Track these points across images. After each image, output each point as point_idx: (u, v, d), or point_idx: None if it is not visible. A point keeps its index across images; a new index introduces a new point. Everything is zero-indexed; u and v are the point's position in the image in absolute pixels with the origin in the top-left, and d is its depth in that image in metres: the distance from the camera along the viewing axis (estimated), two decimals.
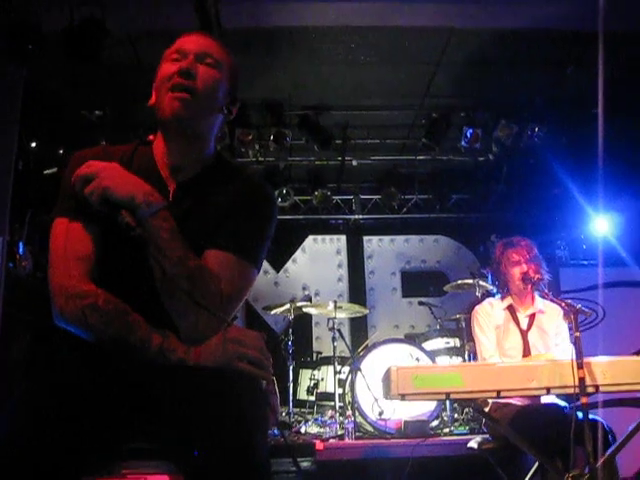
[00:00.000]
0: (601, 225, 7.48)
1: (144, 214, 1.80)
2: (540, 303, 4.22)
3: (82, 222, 1.92)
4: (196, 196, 1.99)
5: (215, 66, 2.03)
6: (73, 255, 1.88)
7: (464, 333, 6.85)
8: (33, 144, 6.86)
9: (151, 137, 2.12)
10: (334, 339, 6.78)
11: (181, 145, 2.02)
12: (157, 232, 1.79)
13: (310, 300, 8.46)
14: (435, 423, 6.49)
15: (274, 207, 2.14)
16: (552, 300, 3.86)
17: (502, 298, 4.28)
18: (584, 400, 3.14)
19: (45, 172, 6.62)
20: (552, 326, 4.16)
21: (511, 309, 4.21)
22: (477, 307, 4.33)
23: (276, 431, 1.90)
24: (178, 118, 1.94)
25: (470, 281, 6.99)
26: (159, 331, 1.78)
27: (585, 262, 6.51)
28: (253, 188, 2.09)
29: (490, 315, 4.20)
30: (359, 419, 6.31)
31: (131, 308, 1.81)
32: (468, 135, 7.75)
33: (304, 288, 9.41)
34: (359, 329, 9.07)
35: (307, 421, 6.78)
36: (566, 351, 3.94)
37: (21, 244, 6.00)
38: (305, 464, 1.91)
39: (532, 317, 4.19)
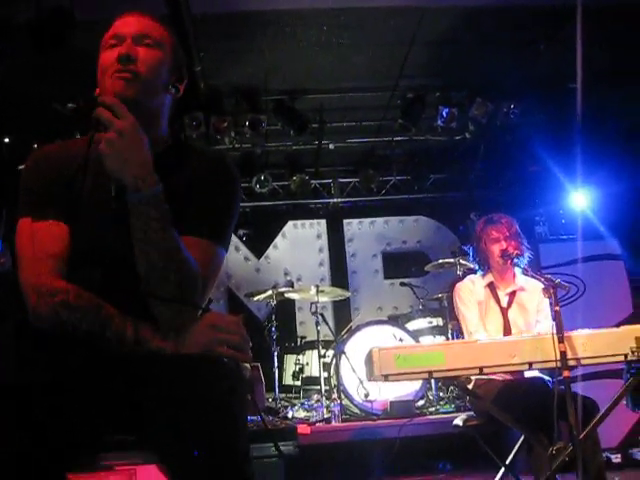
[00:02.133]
0: (579, 200, 7.53)
1: (132, 198, 1.73)
2: (521, 280, 4.23)
3: (47, 220, 1.89)
4: None
5: (155, 46, 1.97)
6: (41, 254, 1.85)
7: (447, 312, 6.89)
8: (6, 139, 6.80)
9: None
10: (317, 323, 6.80)
11: None
12: (145, 220, 1.74)
13: (292, 285, 8.47)
14: (421, 402, 6.54)
15: (238, 183, 2.10)
16: (532, 276, 3.87)
17: (483, 275, 4.30)
18: (566, 374, 3.16)
19: (20, 167, 6.54)
20: (533, 303, 4.18)
21: (491, 286, 4.23)
22: (458, 284, 4.34)
23: (259, 417, 1.88)
24: (122, 98, 1.83)
25: (451, 260, 7.02)
26: (134, 322, 1.75)
27: (564, 237, 6.54)
28: (215, 166, 2.05)
29: (472, 291, 4.21)
30: (345, 402, 6.34)
31: (104, 300, 1.78)
32: (444, 114, 7.75)
33: (286, 274, 9.40)
34: (342, 312, 9.09)
35: (293, 406, 6.81)
36: (547, 328, 3.96)
37: None
38: (287, 448, 1.91)
39: (512, 295, 4.21)
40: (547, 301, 4.03)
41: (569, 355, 3.21)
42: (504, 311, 4.16)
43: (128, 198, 1.74)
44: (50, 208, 1.90)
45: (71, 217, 1.89)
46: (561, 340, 3.18)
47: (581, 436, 3.19)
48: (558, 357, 3.16)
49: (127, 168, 1.73)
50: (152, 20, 2.02)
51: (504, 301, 4.20)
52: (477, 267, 4.39)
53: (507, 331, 4.09)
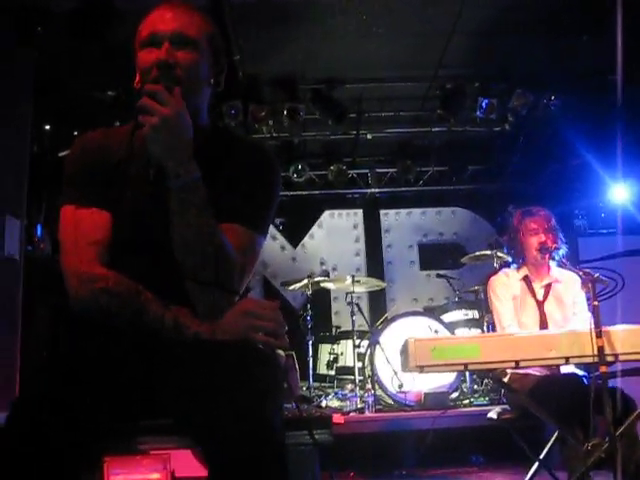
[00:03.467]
0: (619, 193, 7.41)
1: (173, 184, 1.77)
2: (556, 272, 4.18)
3: (90, 207, 1.91)
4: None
5: (193, 47, 1.94)
6: (83, 241, 1.87)
7: (482, 305, 6.84)
8: (47, 127, 6.89)
9: None
10: (353, 313, 6.80)
11: None
12: (184, 206, 1.77)
13: (328, 275, 8.49)
14: (455, 395, 6.50)
15: (278, 172, 2.11)
16: (570, 269, 3.83)
17: (517, 269, 4.25)
18: (603, 369, 3.12)
19: (60, 154, 6.63)
20: (569, 295, 4.13)
21: (527, 280, 4.18)
22: (493, 277, 4.30)
23: (293, 404, 1.89)
24: None
25: (488, 252, 6.97)
26: (172, 308, 1.78)
27: (604, 231, 6.46)
28: (255, 154, 2.06)
29: (506, 285, 4.17)
30: (379, 392, 6.34)
31: (143, 286, 1.80)
32: (483, 105, 7.68)
33: (322, 263, 9.42)
34: (377, 303, 9.08)
35: (327, 395, 6.82)
36: (584, 320, 3.91)
37: (39, 227, 6.04)
38: (321, 436, 1.91)
39: (548, 287, 4.16)
40: (583, 293, 4.00)
41: (607, 350, 3.16)
42: (540, 304, 4.12)
43: (168, 184, 1.77)
44: (92, 195, 1.92)
45: (113, 205, 1.91)
46: (599, 335, 3.13)
47: (618, 432, 3.15)
48: (595, 352, 3.12)
49: (169, 154, 1.76)
50: (189, 13, 1.98)
51: (540, 294, 4.15)
52: (512, 260, 4.35)
53: (543, 324, 4.05)
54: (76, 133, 6.77)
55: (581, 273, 3.55)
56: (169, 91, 1.79)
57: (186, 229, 1.77)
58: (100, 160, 1.98)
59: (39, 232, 5.95)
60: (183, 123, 1.78)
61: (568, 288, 4.14)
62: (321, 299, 8.54)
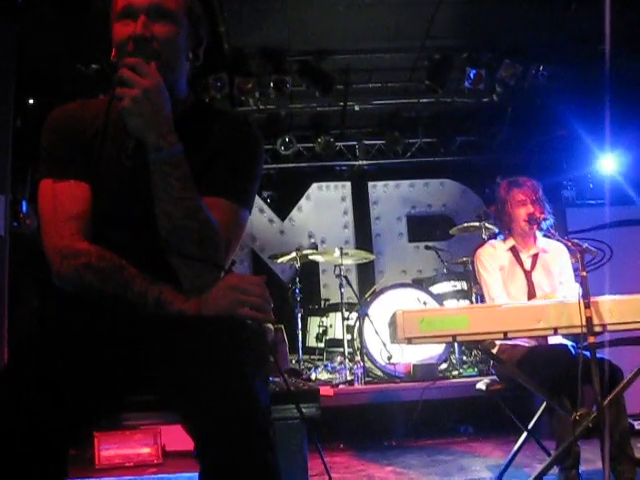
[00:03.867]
0: (608, 164, 7.41)
1: (154, 157, 1.73)
2: (543, 242, 4.19)
3: (68, 180, 1.87)
4: None
5: (171, 19, 1.88)
6: (63, 215, 1.84)
7: (471, 276, 6.85)
8: (31, 101, 6.80)
9: None
10: (341, 286, 6.81)
11: None
12: (167, 180, 1.73)
13: (316, 248, 8.48)
14: (444, 366, 6.54)
15: (261, 146, 2.07)
16: (559, 240, 3.83)
17: (504, 239, 4.25)
18: (591, 339, 3.13)
19: None
20: (556, 265, 4.14)
21: (514, 250, 4.18)
22: (479, 249, 4.29)
23: (281, 378, 1.89)
24: None
25: (476, 224, 6.97)
26: (156, 283, 1.75)
27: (592, 202, 6.44)
28: (238, 128, 2.02)
29: (493, 256, 4.17)
30: (368, 364, 6.37)
31: (127, 261, 1.78)
32: (471, 76, 7.64)
33: (310, 236, 9.42)
34: (366, 275, 9.11)
35: (317, 367, 6.85)
36: (571, 289, 3.93)
37: (24, 202, 5.99)
38: (309, 410, 1.90)
39: (535, 257, 4.16)
40: (570, 263, 4.01)
41: (595, 321, 3.17)
42: (528, 274, 4.12)
43: (150, 157, 1.74)
44: (71, 168, 1.89)
45: (92, 177, 1.88)
46: (587, 306, 3.14)
47: (606, 402, 3.17)
48: (584, 323, 3.13)
49: (150, 127, 1.72)
50: None
51: (527, 264, 4.16)
52: (499, 230, 4.35)
53: (531, 294, 4.06)
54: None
55: (569, 244, 3.56)
56: (147, 61, 1.76)
57: (169, 203, 1.74)
58: (76, 131, 1.95)
59: (24, 208, 5.90)
60: (163, 95, 1.74)
61: (555, 258, 4.15)
62: (310, 272, 8.56)
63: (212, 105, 2.17)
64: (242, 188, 1.96)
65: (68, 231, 1.82)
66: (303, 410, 1.79)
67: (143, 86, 1.70)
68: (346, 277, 6.90)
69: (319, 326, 7.44)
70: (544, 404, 3.81)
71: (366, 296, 6.94)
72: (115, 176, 1.89)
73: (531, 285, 4.07)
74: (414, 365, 6.10)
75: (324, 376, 6.65)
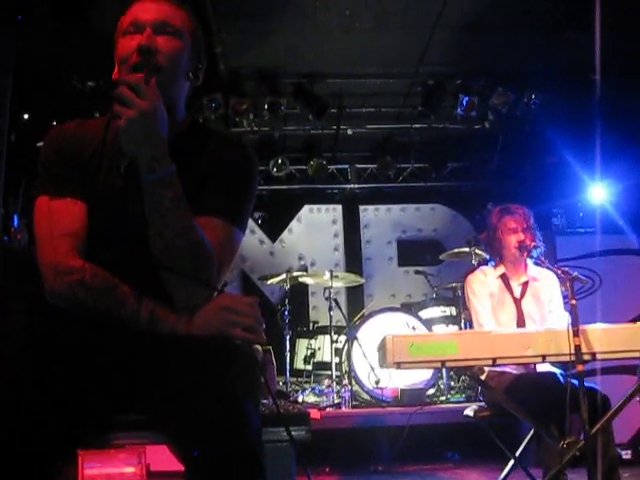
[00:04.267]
0: (598, 193, 7.45)
1: (147, 178, 1.73)
2: (533, 270, 4.21)
3: (65, 198, 1.88)
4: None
5: (176, 35, 1.93)
6: (58, 232, 1.84)
7: (460, 301, 6.86)
8: (26, 116, 6.80)
9: None
10: (330, 308, 6.80)
11: None
12: (159, 200, 1.73)
13: (306, 270, 8.48)
14: (432, 391, 6.53)
15: (256, 167, 2.08)
16: (548, 267, 3.85)
17: (495, 267, 4.27)
18: (580, 367, 3.14)
19: (38, 144, 6.56)
20: (546, 293, 4.16)
21: (504, 278, 4.20)
22: (470, 275, 4.31)
23: (270, 400, 1.88)
24: None
25: (466, 249, 6.99)
26: (149, 302, 1.75)
27: (582, 230, 6.48)
28: (232, 149, 2.03)
29: (484, 283, 4.18)
30: (356, 388, 6.35)
31: (120, 279, 1.78)
32: (464, 103, 7.70)
33: (300, 258, 9.41)
34: (355, 298, 9.09)
35: (304, 390, 6.82)
36: (560, 317, 3.94)
37: (16, 217, 5.97)
38: (299, 433, 1.90)
39: (525, 285, 4.18)
40: (559, 291, 4.02)
41: (584, 349, 3.18)
42: (517, 302, 4.14)
43: (143, 178, 1.74)
44: (68, 186, 1.89)
45: (88, 196, 1.88)
46: (576, 334, 3.15)
47: (593, 430, 3.17)
48: (572, 351, 3.14)
49: (144, 148, 1.72)
50: (172, 5, 1.97)
51: (517, 292, 4.17)
52: (489, 257, 4.36)
53: (521, 322, 4.07)
54: (55, 123, 6.70)
55: (559, 272, 3.58)
56: (148, 79, 1.77)
57: (161, 224, 1.74)
58: (74, 151, 1.95)
59: (16, 222, 5.88)
60: (160, 117, 1.75)
61: (545, 286, 4.17)
62: (299, 294, 8.54)
63: (207, 126, 2.19)
64: (236, 209, 1.96)
65: (63, 248, 1.82)
66: (293, 433, 1.78)
67: (140, 108, 1.69)
68: (335, 300, 6.89)
69: (307, 348, 7.41)
70: (532, 432, 3.81)
71: (355, 319, 6.94)
72: (110, 195, 1.90)
73: (520, 313, 4.09)
74: (402, 390, 6.08)
75: (311, 399, 6.63)
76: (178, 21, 1.95)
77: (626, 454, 5.33)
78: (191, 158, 1.95)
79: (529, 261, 4.19)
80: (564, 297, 3.96)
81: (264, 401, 2.04)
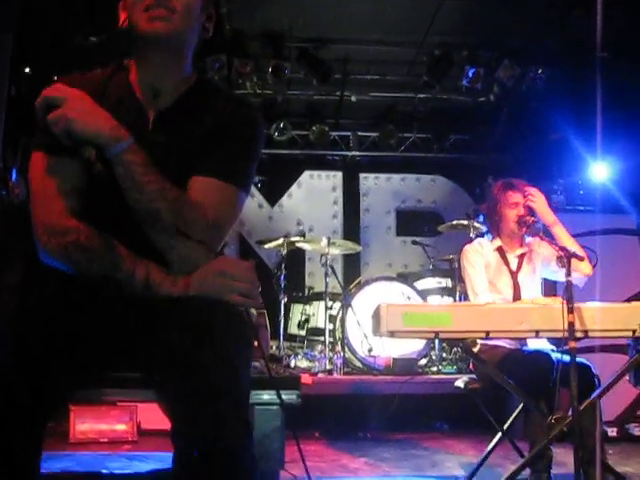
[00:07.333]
0: (599, 171, 7.42)
1: (114, 150, 1.71)
2: (529, 243, 4.22)
3: (60, 155, 1.82)
4: (178, 122, 1.92)
5: None
6: (52, 191, 1.81)
7: (456, 273, 6.87)
8: (27, 70, 6.75)
9: (127, 62, 2.01)
10: (326, 275, 6.80)
11: (158, 67, 1.92)
12: (131, 168, 1.71)
13: (304, 236, 8.47)
14: (423, 361, 6.56)
15: (260, 127, 2.04)
16: (549, 242, 3.85)
17: (492, 239, 4.27)
18: (572, 344, 3.15)
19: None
20: (539, 260, 4.18)
21: (500, 250, 4.20)
22: (466, 246, 4.30)
23: (263, 364, 1.89)
24: (158, 37, 1.84)
25: (465, 222, 6.98)
26: (145, 264, 1.74)
27: (582, 208, 6.47)
28: (238, 109, 2.00)
29: (480, 253, 4.18)
30: (348, 355, 6.38)
31: (116, 240, 1.76)
32: (470, 74, 7.65)
33: (298, 223, 9.41)
34: (352, 266, 9.11)
35: (297, 355, 6.84)
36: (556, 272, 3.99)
37: (14, 171, 5.94)
38: (290, 397, 1.91)
39: (521, 258, 4.19)
40: (554, 261, 3.99)
41: (577, 326, 3.20)
42: (514, 274, 4.14)
43: (108, 154, 1.72)
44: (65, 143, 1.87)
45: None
46: (570, 311, 3.16)
47: (582, 406, 3.20)
48: (566, 327, 3.15)
49: (99, 128, 1.71)
50: None
51: (514, 264, 4.18)
52: (487, 229, 4.36)
53: (517, 294, 4.08)
54: (56, 78, 6.64)
55: (557, 248, 3.57)
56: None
57: (136, 191, 1.72)
58: None
59: (14, 176, 5.85)
60: (90, 100, 1.76)
61: (539, 255, 4.18)
62: (296, 259, 8.54)
63: (214, 84, 2.16)
64: (239, 169, 1.93)
65: (57, 207, 1.79)
66: (283, 397, 1.80)
67: (69, 98, 1.72)
68: (332, 267, 6.90)
69: (302, 314, 7.43)
70: (520, 406, 3.84)
71: (350, 287, 6.95)
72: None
73: (517, 286, 4.10)
74: (394, 359, 6.11)
75: (304, 364, 6.65)
76: None
77: (612, 432, 5.38)
78: (196, 116, 1.93)
79: (526, 236, 4.19)
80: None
81: (256, 364, 2.05)
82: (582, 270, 3.77)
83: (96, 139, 1.71)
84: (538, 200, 4.12)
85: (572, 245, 3.78)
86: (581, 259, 3.56)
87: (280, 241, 7.18)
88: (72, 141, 1.72)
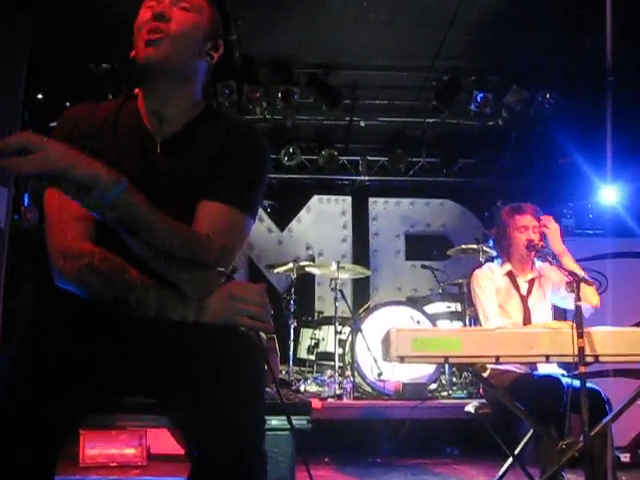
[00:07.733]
0: (609, 195, 7.42)
1: (116, 191, 1.59)
2: (539, 267, 4.22)
3: None
4: (185, 149, 1.93)
5: (192, 9, 1.95)
6: (68, 216, 1.82)
7: (466, 298, 6.86)
8: (40, 95, 6.82)
9: (137, 91, 2.04)
10: (336, 299, 6.80)
11: (161, 94, 1.95)
12: (133, 208, 1.64)
13: (313, 260, 8.49)
14: (433, 386, 6.53)
15: (266, 154, 2.07)
16: (558, 267, 3.84)
17: (501, 264, 4.27)
18: (582, 369, 3.14)
19: (51, 124, 6.57)
20: (549, 286, 4.17)
21: (511, 275, 4.20)
22: (477, 271, 4.30)
23: (274, 389, 1.90)
24: (150, 61, 1.86)
25: (474, 246, 6.98)
26: (157, 287, 1.75)
27: (591, 232, 6.46)
28: (245, 136, 2.02)
29: (490, 278, 4.18)
30: (358, 379, 6.36)
31: (130, 264, 1.76)
32: (478, 99, 7.68)
33: (308, 248, 9.42)
34: (361, 290, 9.11)
35: (306, 380, 6.84)
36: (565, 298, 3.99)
37: (26, 195, 5.99)
38: (300, 422, 1.91)
39: (532, 282, 4.19)
40: (563, 287, 3.99)
41: (587, 351, 3.18)
42: (524, 299, 4.14)
43: (108, 200, 1.60)
44: None
45: None
46: (580, 335, 3.15)
47: (593, 432, 3.18)
48: (576, 352, 3.14)
49: (95, 171, 1.58)
50: None
51: (524, 289, 4.17)
52: (497, 254, 4.36)
53: (527, 318, 4.07)
54: (68, 104, 6.72)
55: (567, 272, 3.57)
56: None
57: (144, 232, 1.67)
58: (86, 134, 1.94)
59: (26, 201, 5.89)
60: (66, 149, 1.58)
61: (549, 280, 4.17)
62: (305, 284, 8.55)
63: (221, 111, 2.18)
64: (245, 195, 1.95)
65: (72, 232, 1.81)
66: (294, 422, 1.80)
67: (46, 142, 1.55)
68: (341, 291, 6.89)
69: (311, 338, 7.43)
70: (531, 431, 3.81)
71: (360, 311, 6.95)
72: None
73: (527, 310, 4.09)
74: (404, 384, 6.09)
75: (313, 388, 6.64)
76: (197, 0, 1.98)
77: (624, 457, 5.33)
78: (203, 142, 1.96)
79: (536, 260, 4.19)
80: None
81: (267, 389, 2.06)
82: (589, 300, 3.76)
83: (95, 183, 1.57)
84: (552, 228, 4.13)
85: (581, 272, 3.78)
86: (590, 284, 3.55)
87: (290, 265, 7.19)
88: (45, 182, 1.62)
